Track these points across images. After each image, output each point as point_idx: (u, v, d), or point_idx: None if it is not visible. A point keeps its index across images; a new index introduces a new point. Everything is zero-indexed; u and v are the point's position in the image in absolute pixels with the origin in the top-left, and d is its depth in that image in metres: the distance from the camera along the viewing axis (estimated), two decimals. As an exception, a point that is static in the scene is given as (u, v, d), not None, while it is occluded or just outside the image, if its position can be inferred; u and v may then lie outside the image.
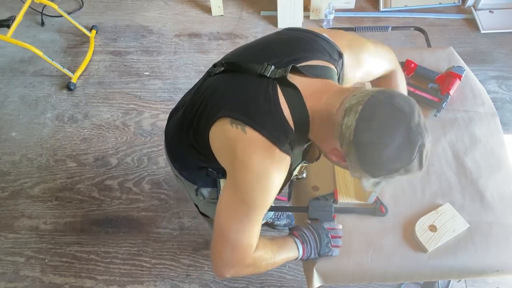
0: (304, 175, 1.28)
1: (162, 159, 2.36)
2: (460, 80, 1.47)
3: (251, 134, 0.91)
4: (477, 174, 1.32)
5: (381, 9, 2.98)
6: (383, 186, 1.21)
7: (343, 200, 1.26)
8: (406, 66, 1.52)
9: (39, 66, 2.80)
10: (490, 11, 2.91)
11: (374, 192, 1.20)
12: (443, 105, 1.43)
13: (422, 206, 1.26)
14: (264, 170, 0.91)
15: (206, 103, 1.04)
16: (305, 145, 1.08)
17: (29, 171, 2.36)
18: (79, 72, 2.71)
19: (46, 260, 2.07)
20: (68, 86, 2.65)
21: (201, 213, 1.45)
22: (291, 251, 1.10)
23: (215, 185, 1.22)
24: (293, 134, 0.94)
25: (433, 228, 1.20)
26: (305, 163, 1.12)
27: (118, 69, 2.78)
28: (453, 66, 1.50)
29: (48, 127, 2.53)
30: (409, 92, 1.47)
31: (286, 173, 0.95)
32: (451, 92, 1.45)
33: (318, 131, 0.97)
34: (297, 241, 1.12)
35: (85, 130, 2.50)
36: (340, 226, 1.19)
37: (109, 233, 2.14)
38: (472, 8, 2.94)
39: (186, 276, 2.00)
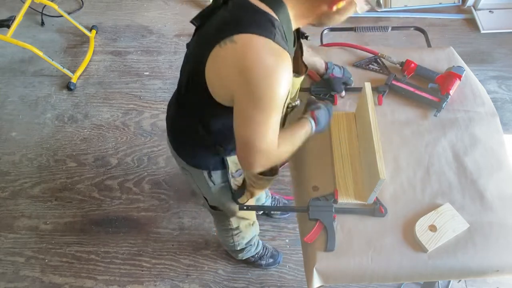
0: (298, 102, 1.29)
1: (162, 159, 2.36)
2: (460, 80, 1.47)
3: (241, 39, 0.91)
4: (477, 174, 1.32)
5: (381, 9, 2.98)
6: (382, 186, 1.21)
7: (343, 200, 1.27)
8: (406, 66, 1.52)
9: (39, 66, 2.80)
10: (490, 11, 2.91)
11: (374, 192, 1.20)
12: (443, 105, 1.43)
13: (422, 206, 1.26)
14: (268, 68, 0.90)
15: (192, 59, 1.07)
16: (294, 44, 1.10)
17: (29, 171, 2.36)
18: (79, 72, 2.71)
19: (46, 260, 2.07)
20: (68, 86, 2.66)
21: (211, 206, 1.46)
22: (306, 134, 1.20)
23: (224, 167, 1.25)
24: (278, 20, 0.95)
25: (433, 228, 1.20)
26: (295, 76, 1.13)
27: (118, 69, 2.78)
28: (453, 66, 1.50)
29: (48, 127, 2.53)
30: (409, 92, 1.47)
31: (290, 72, 0.95)
32: (451, 92, 1.45)
33: (299, 5, 0.98)
34: (312, 122, 1.21)
35: (85, 130, 2.50)
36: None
37: (109, 233, 2.14)
38: (472, 8, 2.94)
39: (186, 276, 2.00)
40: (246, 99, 0.95)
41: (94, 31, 2.93)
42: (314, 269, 1.17)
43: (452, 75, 1.46)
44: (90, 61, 2.80)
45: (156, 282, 1.99)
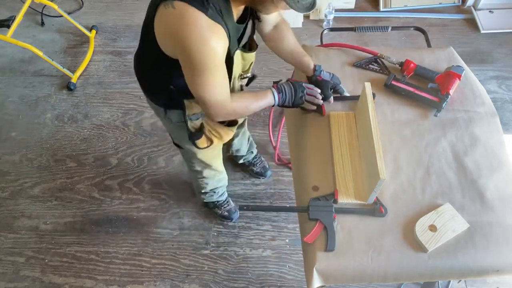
0: (250, 74, 1.40)
1: (162, 159, 2.36)
2: (459, 79, 1.47)
3: (179, 7, 1.02)
4: (477, 174, 1.32)
5: (381, 9, 2.99)
6: (382, 186, 1.21)
7: (343, 200, 1.27)
8: (405, 66, 1.52)
9: (39, 66, 2.80)
10: (490, 11, 2.91)
11: (374, 192, 1.20)
12: (443, 105, 1.43)
13: (422, 206, 1.26)
14: (201, 40, 1.03)
15: (147, 13, 1.16)
16: (240, 27, 1.21)
17: (29, 171, 2.36)
18: (79, 72, 2.71)
19: (46, 260, 2.07)
20: (68, 86, 2.66)
21: (174, 144, 1.60)
22: (268, 99, 1.33)
23: (181, 108, 1.33)
24: None
25: (433, 228, 1.20)
26: (242, 50, 1.26)
27: (118, 69, 2.78)
28: (452, 65, 1.50)
29: (48, 127, 2.53)
30: (409, 92, 1.47)
31: (225, 43, 1.08)
32: (451, 92, 1.45)
33: None
34: (274, 91, 1.34)
35: (85, 130, 2.50)
36: (319, 90, 1.40)
37: (109, 233, 2.14)
38: (472, 8, 2.94)
39: (186, 276, 2.00)
40: (187, 65, 1.10)
41: (94, 31, 2.93)
42: (314, 269, 1.17)
43: (451, 74, 1.46)
44: (90, 61, 2.80)
45: (156, 282, 1.99)
